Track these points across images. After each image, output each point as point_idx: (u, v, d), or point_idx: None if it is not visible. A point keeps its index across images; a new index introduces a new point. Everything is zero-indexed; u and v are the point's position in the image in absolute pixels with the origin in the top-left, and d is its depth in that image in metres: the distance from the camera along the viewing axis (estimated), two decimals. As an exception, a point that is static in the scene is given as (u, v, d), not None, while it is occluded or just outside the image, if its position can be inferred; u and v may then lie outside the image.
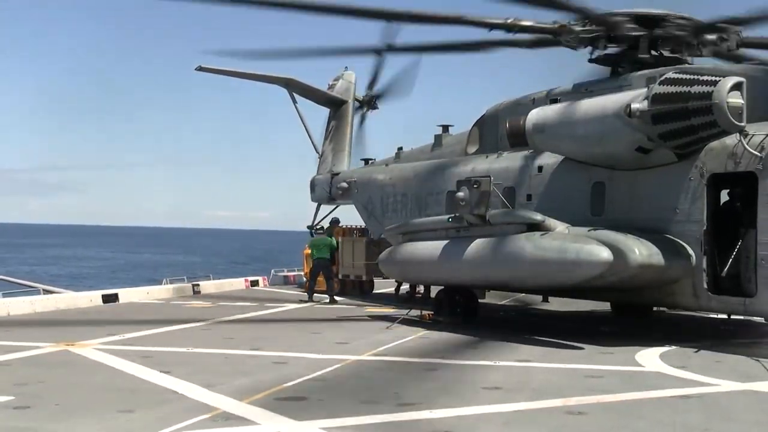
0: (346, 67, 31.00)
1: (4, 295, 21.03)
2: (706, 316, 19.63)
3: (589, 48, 18.55)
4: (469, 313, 19.15)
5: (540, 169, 18.94)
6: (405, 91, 27.82)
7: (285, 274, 33.32)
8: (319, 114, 31.70)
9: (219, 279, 30.85)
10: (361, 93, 30.23)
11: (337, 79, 31.00)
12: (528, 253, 16.43)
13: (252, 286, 30.12)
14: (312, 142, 31.19)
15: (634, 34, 17.71)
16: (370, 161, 28.26)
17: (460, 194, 18.18)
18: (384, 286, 28.02)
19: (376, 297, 26.08)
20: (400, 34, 19.21)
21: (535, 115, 18.00)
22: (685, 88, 15.09)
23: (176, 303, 23.68)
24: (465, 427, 9.12)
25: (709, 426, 9.36)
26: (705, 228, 15.55)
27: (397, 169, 25.09)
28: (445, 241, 18.74)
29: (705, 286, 15.49)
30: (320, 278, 25.30)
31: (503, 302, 23.80)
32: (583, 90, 18.30)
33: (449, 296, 19.46)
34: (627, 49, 18.17)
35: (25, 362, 13.03)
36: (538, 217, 17.12)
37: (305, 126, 31.13)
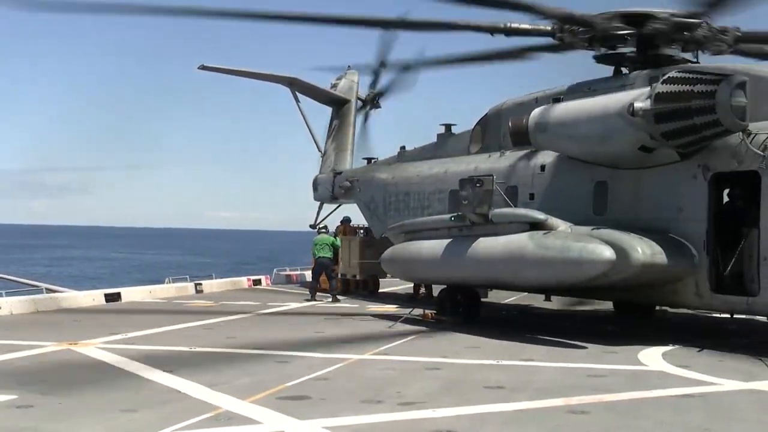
0: (349, 66, 31.00)
1: (7, 294, 21.03)
2: (709, 315, 19.61)
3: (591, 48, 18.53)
4: (471, 312, 19.14)
5: (542, 168, 18.92)
6: (407, 88, 27.78)
7: (287, 273, 33.34)
8: (322, 113, 31.79)
9: (222, 278, 30.84)
10: (363, 92, 30.22)
11: (339, 78, 30.96)
12: (530, 252, 16.42)
13: (255, 285, 30.09)
14: (315, 141, 31.16)
15: (623, 33, 17.62)
16: (372, 160, 28.24)
17: (463, 193, 18.19)
18: (389, 285, 28.03)
19: (379, 296, 26.09)
20: (397, 41, 19.19)
21: (537, 114, 17.97)
22: (688, 87, 15.01)
23: (179, 302, 23.68)
24: (467, 426, 9.10)
25: (711, 425, 9.34)
26: (708, 227, 15.53)
27: (400, 168, 25.06)
28: (448, 240, 18.74)
29: (708, 285, 15.47)
30: (323, 277, 25.35)
31: (505, 301, 23.78)
32: (586, 89, 18.29)
33: (451, 295, 19.46)
34: (626, 48, 18.12)
35: (28, 361, 13.03)
36: (541, 216, 17.12)
37: (308, 125, 31.11)
